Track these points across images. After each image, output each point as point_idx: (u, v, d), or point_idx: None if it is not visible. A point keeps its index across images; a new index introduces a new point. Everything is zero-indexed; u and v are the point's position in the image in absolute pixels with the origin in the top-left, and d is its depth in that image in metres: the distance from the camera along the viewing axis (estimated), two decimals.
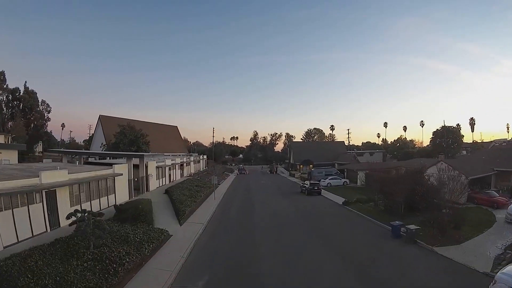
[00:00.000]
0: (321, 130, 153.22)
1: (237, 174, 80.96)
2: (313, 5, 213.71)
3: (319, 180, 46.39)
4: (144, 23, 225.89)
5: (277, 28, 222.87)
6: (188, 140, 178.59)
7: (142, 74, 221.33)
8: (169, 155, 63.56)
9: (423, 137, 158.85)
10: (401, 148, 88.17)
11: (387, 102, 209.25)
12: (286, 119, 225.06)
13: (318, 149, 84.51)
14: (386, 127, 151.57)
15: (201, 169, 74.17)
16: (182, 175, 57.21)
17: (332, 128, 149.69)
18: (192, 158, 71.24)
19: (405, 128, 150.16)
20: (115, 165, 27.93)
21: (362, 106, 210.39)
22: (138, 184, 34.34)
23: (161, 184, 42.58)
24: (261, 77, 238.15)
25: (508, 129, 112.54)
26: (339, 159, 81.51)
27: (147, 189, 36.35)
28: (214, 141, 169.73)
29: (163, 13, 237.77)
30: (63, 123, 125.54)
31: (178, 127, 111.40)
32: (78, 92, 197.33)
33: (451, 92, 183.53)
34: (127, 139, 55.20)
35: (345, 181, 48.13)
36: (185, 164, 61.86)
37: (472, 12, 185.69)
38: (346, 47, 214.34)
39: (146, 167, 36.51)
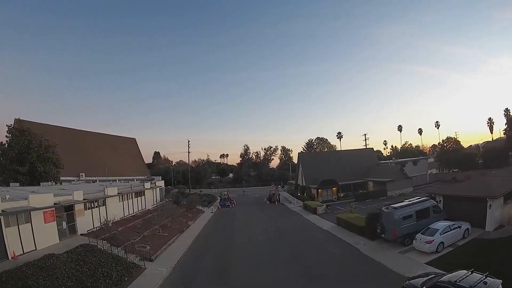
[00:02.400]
0: (326, 140, 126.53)
1: (218, 208, 52.11)
2: (299, 20, 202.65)
3: (409, 234, 18.73)
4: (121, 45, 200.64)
5: (284, 41, 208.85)
6: (169, 159, 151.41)
7: (118, 93, 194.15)
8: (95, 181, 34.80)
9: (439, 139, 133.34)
10: (456, 151, 61.44)
11: (386, 110, 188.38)
12: (279, 132, 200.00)
13: (339, 161, 56.64)
14: (400, 131, 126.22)
15: (158, 201, 44.85)
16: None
17: (339, 135, 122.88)
18: (149, 185, 42.44)
19: (420, 131, 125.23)
20: None
21: (361, 116, 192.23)
22: None
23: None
24: (255, 90, 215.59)
25: None
26: (372, 175, 53.69)
27: None
28: (191, 159, 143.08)
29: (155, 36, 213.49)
30: None
31: (158, 151, 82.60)
32: None
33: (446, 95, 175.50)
34: (15, 151, 28.20)
35: (466, 229, 19.70)
36: (128, 196, 33.52)
37: (456, 14, 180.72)
38: (333, 59, 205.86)
39: None
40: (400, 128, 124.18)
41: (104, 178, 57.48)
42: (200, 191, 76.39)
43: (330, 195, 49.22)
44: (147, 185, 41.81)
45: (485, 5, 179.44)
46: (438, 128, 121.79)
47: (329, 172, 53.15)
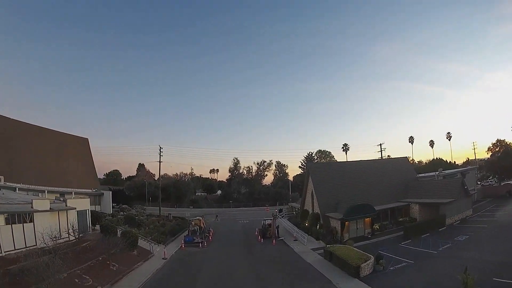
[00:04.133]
0: (329, 153, 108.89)
1: (181, 245, 32.94)
2: (294, 36, 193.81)
3: None
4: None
5: (284, 58, 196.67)
6: (151, 172, 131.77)
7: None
8: None
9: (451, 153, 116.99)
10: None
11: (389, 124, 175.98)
12: (273, 146, 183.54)
13: (365, 176, 38.37)
14: (412, 143, 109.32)
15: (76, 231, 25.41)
16: None
17: (345, 148, 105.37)
18: (47, 204, 23.43)
19: (432, 143, 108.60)
20: None
21: (359, 134, 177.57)
22: None
23: None
24: (252, 104, 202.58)
25: None
26: (413, 194, 36.65)
27: None
28: (172, 173, 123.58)
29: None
30: None
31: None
32: None
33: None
34: None
35: None
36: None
37: (451, 30, 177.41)
38: (329, 76, 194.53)
39: None
40: (411, 140, 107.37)
41: (26, 186, 37.86)
42: (168, 214, 56.92)
43: (362, 229, 30.71)
44: (42, 204, 22.74)
45: (480, 22, 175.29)
46: (449, 139, 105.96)
47: (352, 191, 35.08)
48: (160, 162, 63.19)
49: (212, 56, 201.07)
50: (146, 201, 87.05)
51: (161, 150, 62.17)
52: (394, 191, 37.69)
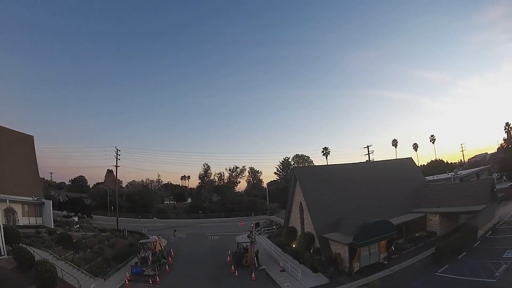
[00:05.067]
0: (307, 158, 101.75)
1: (126, 280, 22.74)
2: (265, 43, 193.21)
3: None
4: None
5: (232, 68, 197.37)
6: (120, 180, 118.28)
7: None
8: None
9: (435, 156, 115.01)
10: None
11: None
12: (246, 151, 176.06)
13: (366, 183, 30.26)
14: (395, 146, 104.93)
15: None
16: None
17: (326, 152, 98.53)
18: None
19: (415, 147, 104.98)
20: None
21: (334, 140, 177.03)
22: None
23: None
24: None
25: None
26: (427, 202, 29.90)
27: None
28: (139, 179, 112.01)
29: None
30: None
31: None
32: None
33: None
34: None
35: None
36: None
37: (425, 39, 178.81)
38: (301, 83, 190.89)
39: None
40: (395, 143, 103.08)
41: None
42: (123, 230, 45.78)
43: (376, 253, 22.36)
44: None
45: (455, 30, 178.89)
46: (433, 142, 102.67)
47: (354, 202, 27.06)
48: (117, 166, 51.72)
49: (196, 60, 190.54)
50: (108, 210, 75.25)
51: (118, 153, 50.95)
52: (404, 200, 30.26)
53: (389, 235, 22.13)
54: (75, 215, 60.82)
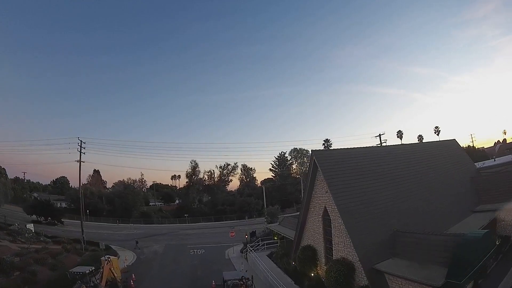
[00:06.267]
0: (307, 152, 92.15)
1: None
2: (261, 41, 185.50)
3: None
4: None
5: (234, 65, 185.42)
6: (104, 181, 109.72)
7: None
8: None
9: None
10: None
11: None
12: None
13: (410, 171, 20.63)
14: (401, 138, 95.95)
15: None
16: None
17: (327, 144, 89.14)
18: None
19: (420, 138, 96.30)
20: None
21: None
22: None
23: None
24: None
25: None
26: (483, 199, 19.09)
27: None
28: (123, 178, 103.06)
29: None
30: None
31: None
32: None
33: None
34: None
35: None
36: None
37: (417, 35, 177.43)
38: (294, 81, 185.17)
39: None
40: (400, 135, 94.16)
41: None
42: (82, 237, 35.57)
43: None
44: None
45: (446, 25, 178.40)
46: (438, 134, 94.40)
47: (406, 203, 17.34)
48: (80, 161, 40.88)
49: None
50: (82, 215, 65.18)
51: (83, 146, 40.31)
52: (462, 195, 21.04)
53: (490, 254, 12.68)
54: (45, 220, 52.78)
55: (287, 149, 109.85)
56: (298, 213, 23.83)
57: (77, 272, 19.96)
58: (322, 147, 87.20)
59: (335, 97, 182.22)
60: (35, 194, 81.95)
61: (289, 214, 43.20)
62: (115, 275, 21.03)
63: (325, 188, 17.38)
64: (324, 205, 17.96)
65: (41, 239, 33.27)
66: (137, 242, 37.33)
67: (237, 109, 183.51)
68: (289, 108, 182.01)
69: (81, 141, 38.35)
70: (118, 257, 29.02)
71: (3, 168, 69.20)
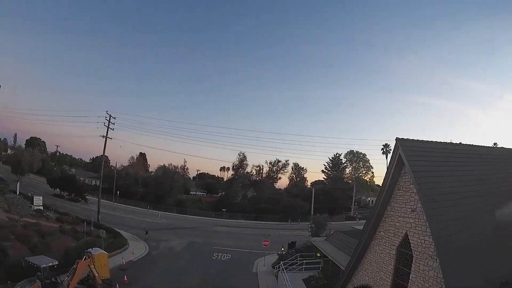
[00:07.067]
0: (364, 155, 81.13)
1: None
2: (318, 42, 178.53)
3: None
4: None
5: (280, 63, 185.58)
6: (148, 164, 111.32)
7: None
8: None
9: None
10: None
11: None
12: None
13: None
14: None
15: None
16: None
17: (386, 150, 76.80)
18: None
19: None
20: None
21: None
22: None
23: None
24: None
25: None
26: None
27: None
28: (161, 163, 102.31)
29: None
30: None
31: None
32: None
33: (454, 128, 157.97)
34: None
35: None
36: None
37: (472, 49, 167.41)
38: (348, 85, 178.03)
39: None
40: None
41: None
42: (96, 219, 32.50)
43: None
44: None
45: (502, 41, 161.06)
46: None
47: None
48: (106, 137, 38.45)
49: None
50: (113, 195, 65.52)
51: (110, 120, 37.80)
52: None
53: None
54: (69, 195, 52.76)
55: (341, 151, 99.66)
56: (346, 221, 16.37)
57: (31, 263, 15.53)
58: (380, 152, 75.72)
59: (391, 104, 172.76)
60: (73, 169, 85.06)
61: (336, 223, 35.11)
62: (96, 274, 16.19)
63: (412, 203, 9.70)
64: (405, 231, 10.24)
65: (44, 214, 30.57)
66: (146, 232, 32.77)
67: (305, 108, 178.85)
68: (345, 109, 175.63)
69: (110, 116, 35.46)
70: (126, 249, 24.64)
71: (43, 141, 78.24)
